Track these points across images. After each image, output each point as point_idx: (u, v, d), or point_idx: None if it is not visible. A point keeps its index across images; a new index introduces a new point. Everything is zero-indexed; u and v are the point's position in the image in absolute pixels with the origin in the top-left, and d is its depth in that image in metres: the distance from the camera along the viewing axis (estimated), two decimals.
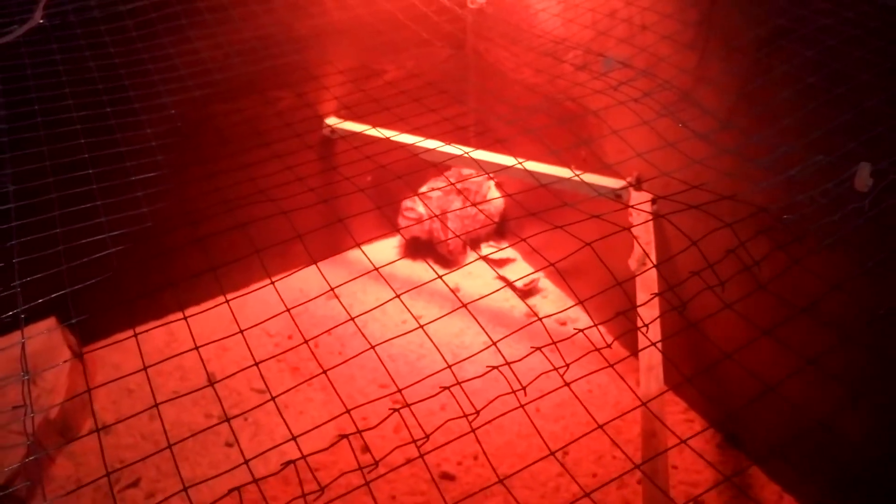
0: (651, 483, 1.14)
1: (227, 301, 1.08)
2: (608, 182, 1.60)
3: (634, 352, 1.78)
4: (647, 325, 1.31)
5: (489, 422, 0.93)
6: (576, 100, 1.55)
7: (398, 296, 1.23)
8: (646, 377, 1.34)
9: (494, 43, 1.82)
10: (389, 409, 0.95)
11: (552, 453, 0.96)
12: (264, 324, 2.14)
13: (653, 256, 1.50)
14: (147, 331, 1.84)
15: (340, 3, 1.86)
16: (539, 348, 1.03)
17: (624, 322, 1.05)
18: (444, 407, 1.63)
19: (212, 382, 1.07)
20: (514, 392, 0.97)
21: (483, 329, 1.12)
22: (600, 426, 0.99)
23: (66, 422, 1.78)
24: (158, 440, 1.77)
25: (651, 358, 1.34)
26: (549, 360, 1.01)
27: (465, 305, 1.15)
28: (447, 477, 1.64)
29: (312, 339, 1.29)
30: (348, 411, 0.95)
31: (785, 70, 1.14)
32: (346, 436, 0.90)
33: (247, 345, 1.06)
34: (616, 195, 1.60)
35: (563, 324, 1.98)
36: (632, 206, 1.53)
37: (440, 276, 1.20)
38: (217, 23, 1.67)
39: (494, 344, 1.03)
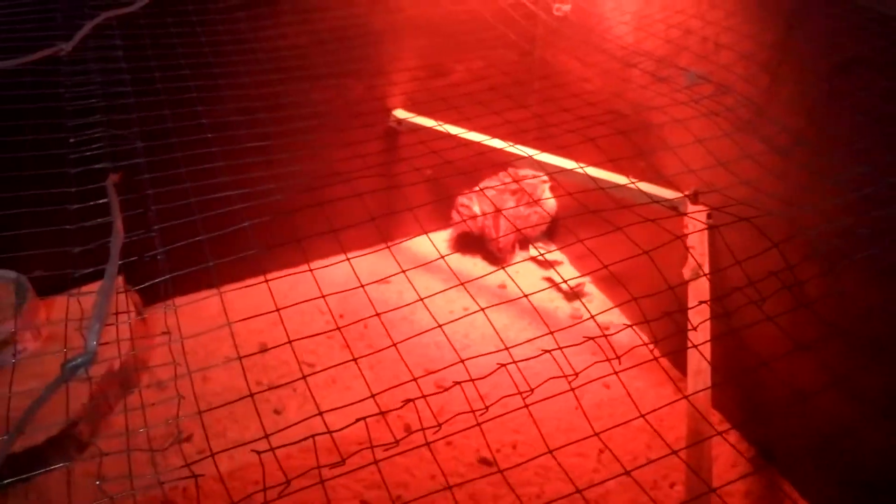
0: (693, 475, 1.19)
1: (311, 270, 1.10)
2: (665, 193, 1.65)
3: (678, 359, 1.83)
4: (695, 328, 1.36)
5: (538, 402, 0.97)
6: (641, 111, 1.60)
7: (462, 283, 1.30)
8: (693, 380, 1.38)
9: (563, 51, 1.88)
10: (452, 382, 1.00)
11: (596, 434, 1.00)
12: (317, 301, 2.23)
13: (706, 268, 1.54)
14: (220, 293, 1.93)
15: (416, 1, 1.93)
16: (592, 338, 1.07)
17: (670, 329, 1.08)
18: (496, 386, 1.69)
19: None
20: (564, 376, 1.02)
21: (540, 317, 1.17)
22: (643, 415, 1.02)
23: (127, 375, 1.88)
24: (210, 401, 1.86)
25: (699, 362, 1.39)
26: (601, 349, 1.06)
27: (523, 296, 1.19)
28: (485, 462, 1.70)
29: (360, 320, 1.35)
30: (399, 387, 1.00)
31: (859, 97, 1.18)
32: (411, 399, 0.96)
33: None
34: (672, 206, 1.64)
35: (607, 328, 2.03)
36: (688, 216, 1.58)
37: (503, 268, 1.25)
38: (304, 10, 1.76)
39: (551, 333, 1.08)
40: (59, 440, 1.66)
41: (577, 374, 1.02)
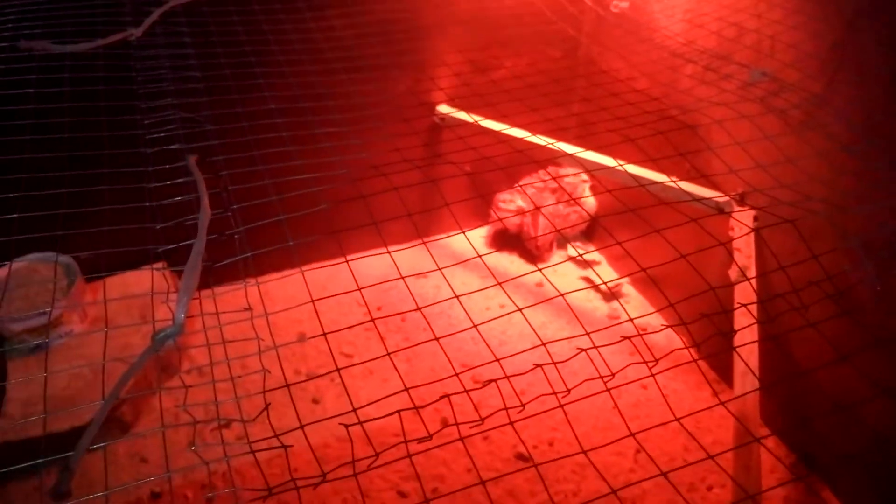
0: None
1: (347, 262, 1.11)
2: (711, 193, 1.65)
3: (719, 362, 1.83)
4: (734, 331, 1.36)
5: (574, 401, 0.97)
6: (690, 111, 1.60)
7: (500, 283, 1.30)
8: (740, 383, 1.38)
9: (616, 47, 1.88)
10: (485, 380, 0.99)
11: (632, 434, 1.00)
12: (354, 293, 2.25)
13: (752, 271, 1.54)
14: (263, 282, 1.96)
15: None
16: (628, 337, 1.07)
17: (711, 331, 1.08)
18: (532, 384, 1.70)
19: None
20: (601, 377, 1.01)
21: (576, 317, 1.18)
22: (678, 419, 1.02)
23: (168, 359, 1.91)
24: (248, 388, 1.88)
25: (745, 366, 1.38)
26: (637, 351, 1.05)
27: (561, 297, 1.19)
28: (522, 458, 1.70)
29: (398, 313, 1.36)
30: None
31: None
32: (448, 395, 0.96)
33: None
34: (718, 207, 1.64)
35: (645, 329, 2.02)
36: (734, 218, 1.57)
37: (540, 269, 1.26)
38: (354, 3, 1.78)
39: (587, 333, 1.07)
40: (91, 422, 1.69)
41: (613, 375, 1.01)
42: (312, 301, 0.94)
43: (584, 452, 0.92)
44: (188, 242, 0.87)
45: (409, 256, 1.29)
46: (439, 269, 1.17)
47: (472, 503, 1.60)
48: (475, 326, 1.08)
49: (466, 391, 0.96)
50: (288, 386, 0.89)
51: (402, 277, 1.08)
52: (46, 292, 1.76)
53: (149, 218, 0.93)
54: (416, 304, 1.24)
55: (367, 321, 1.98)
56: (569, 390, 0.97)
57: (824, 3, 1.37)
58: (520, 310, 1.14)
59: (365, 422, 0.87)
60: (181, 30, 1.39)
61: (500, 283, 1.32)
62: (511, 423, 0.92)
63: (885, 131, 1.27)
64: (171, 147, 1.09)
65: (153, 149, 1.06)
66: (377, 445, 0.85)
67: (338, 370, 0.93)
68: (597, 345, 1.00)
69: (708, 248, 1.10)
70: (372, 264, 1.30)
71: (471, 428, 0.94)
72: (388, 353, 1.00)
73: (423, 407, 0.95)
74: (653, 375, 1.02)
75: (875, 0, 1.28)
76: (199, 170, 1.03)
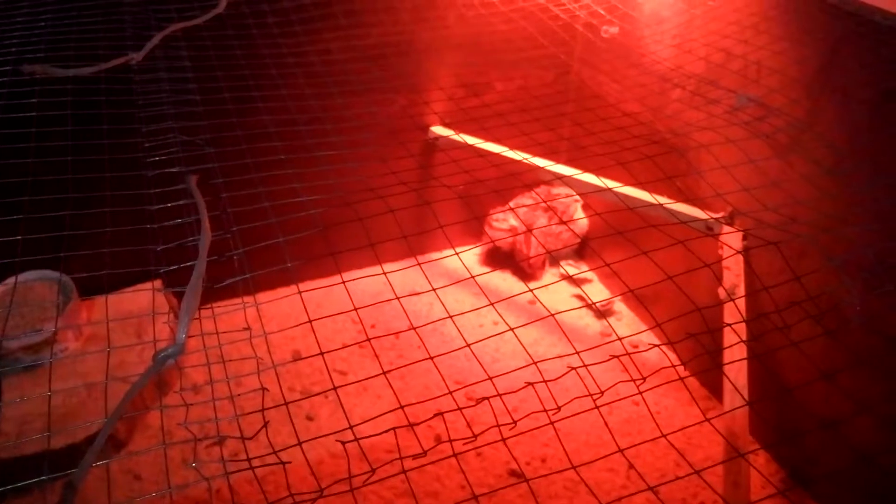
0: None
1: (343, 283, 1.13)
2: (701, 214, 1.68)
3: (709, 379, 1.85)
4: (723, 349, 1.38)
5: (566, 418, 0.99)
6: (681, 133, 1.64)
7: (493, 304, 1.33)
8: (729, 400, 1.40)
9: (607, 71, 1.92)
10: (478, 397, 1.01)
11: (620, 450, 1.01)
12: (349, 312, 2.27)
13: (741, 290, 1.57)
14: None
15: (461, 19, 1.98)
16: (617, 356, 1.09)
17: (700, 350, 1.10)
18: (525, 401, 1.71)
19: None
20: (590, 395, 1.02)
21: (566, 336, 1.20)
22: (664, 435, 1.03)
23: (162, 377, 1.91)
24: (243, 405, 1.89)
25: (733, 384, 1.41)
26: (626, 369, 1.07)
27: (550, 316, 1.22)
28: (515, 474, 1.72)
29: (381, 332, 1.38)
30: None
31: None
32: (442, 413, 0.97)
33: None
34: (707, 227, 1.67)
35: (636, 346, 2.05)
36: (723, 238, 1.60)
37: (530, 289, 1.28)
38: (350, 27, 1.82)
39: (577, 353, 1.09)
40: (95, 438, 1.70)
41: (602, 393, 1.02)
42: (310, 321, 0.95)
43: (575, 468, 0.94)
44: (189, 264, 0.89)
45: (402, 275, 1.32)
46: (433, 289, 1.18)
47: None
48: (468, 346, 1.10)
49: (460, 409, 0.97)
50: (287, 404, 0.91)
51: (398, 298, 1.10)
52: (42, 310, 1.77)
53: (150, 240, 0.95)
54: (411, 323, 1.27)
55: (364, 340, 2.00)
56: (559, 408, 0.98)
57: (808, 28, 1.41)
58: (511, 329, 1.17)
59: (361, 438, 0.88)
60: (181, 53, 1.42)
61: (492, 304, 1.35)
62: (503, 439, 0.94)
63: (869, 154, 1.31)
64: (172, 169, 1.11)
65: (154, 171, 1.09)
66: (372, 461, 0.87)
67: (335, 388, 0.95)
68: (587, 363, 1.02)
69: (697, 268, 1.13)
70: (366, 283, 1.32)
71: (464, 444, 0.96)
72: (385, 372, 1.02)
73: (417, 424, 0.97)
74: (640, 393, 1.04)
75: (858, 25, 1.32)
76: (199, 191, 1.05)
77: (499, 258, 2.40)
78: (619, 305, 2.24)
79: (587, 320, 2.19)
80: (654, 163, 1.46)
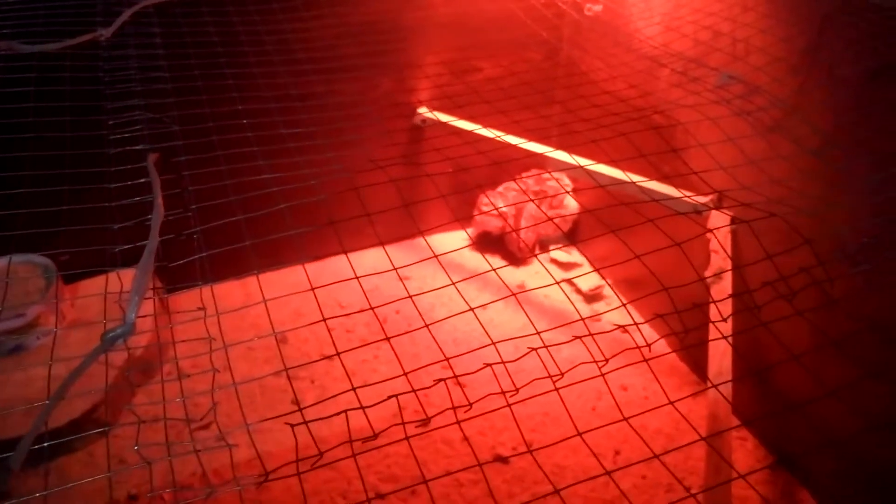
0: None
1: (346, 254, 1.12)
2: (690, 196, 1.65)
3: (697, 364, 1.83)
4: (686, 332, 1.36)
5: (523, 400, 0.98)
6: (667, 112, 1.61)
7: (454, 283, 1.30)
8: (714, 380, 1.38)
9: (591, 50, 1.89)
10: (434, 380, 0.99)
11: (578, 432, 1.00)
12: (337, 295, 2.24)
13: (728, 269, 1.54)
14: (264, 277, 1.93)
15: None
16: (580, 337, 1.07)
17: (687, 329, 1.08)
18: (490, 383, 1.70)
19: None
20: (550, 377, 1.01)
21: (524, 314, 1.18)
22: (626, 419, 1.02)
23: (149, 361, 1.90)
24: (230, 391, 1.88)
25: (719, 364, 1.39)
26: (589, 352, 1.05)
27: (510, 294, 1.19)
28: (500, 459, 1.70)
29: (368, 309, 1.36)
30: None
31: (890, 104, 1.18)
32: (442, 381, 0.96)
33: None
34: (696, 210, 1.64)
35: (625, 331, 2.02)
36: (711, 219, 1.58)
37: (493, 270, 1.26)
38: (331, 5, 1.78)
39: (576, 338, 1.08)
40: (80, 422, 1.69)
41: (562, 375, 1.01)
42: (265, 301, 0.93)
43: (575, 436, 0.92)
44: (145, 242, 0.87)
45: (392, 257, 1.30)
46: (394, 268, 1.17)
47: None
48: (450, 328, 1.08)
49: (414, 390, 0.96)
50: (235, 385, 0.88)
51: (396, 269, 1.08)
52: (24, 294, 1.75)
53: (108, 218, 0.93)
54: (369, 302, 1.24)
55: (318, 321, 1.97)
56: (517, 389, 0.97)
57: (795, 6, 1.38)
58: (472, 309, 1.15)
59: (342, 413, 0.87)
60: (152, 30, 1.39)
61: (454, 283, 1.32)
62: (508, 406, 0.94)
63: (855, 133, 1.28)
64: (136, 147, 1.09)
65: (116, 149, 1.06)
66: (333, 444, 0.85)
67: (286, 370, 0.92)
68: (554, 343, 1.01)
69: (669, 246, 1.11)
70: (354, 264, 1.29)
71: (464, 412, 0.94)
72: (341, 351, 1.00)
73: (371, 406, 0.95)
74: (603, 375, 1.02)
75: (845, 4, 1.28)
76: (156, 170, 1.03)
77: (489, 242, 2.37)
78: (609, 290, 2.22)
79: (577, 305, 2.17)
80: (642, 141, 1.44)
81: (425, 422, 0.85)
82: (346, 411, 0.85)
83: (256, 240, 0.94)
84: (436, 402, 1.00)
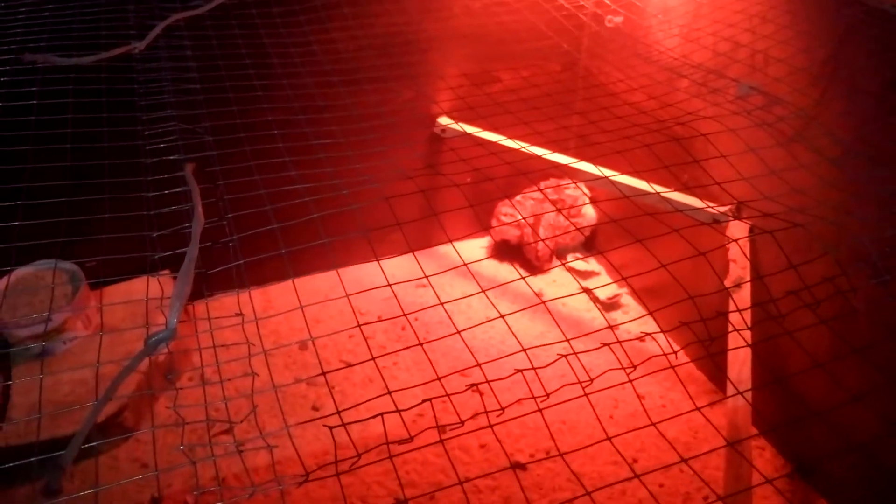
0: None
1: (337, 269, 1.15)
2: (708, 206, 1.67)
3: (715, 374, 1.84)
4: (710, 340, 1.37)
5: (554, 405, 0.99)
6: (686, 122, 1.62)
7: (484, 290, 1.32)
8: (732, 388, 1.39)
9: (612, 61, 1.91)
10: (467, 385, 1.01)
11: (609, 438, 1.01)
12: (355, 303, 2.26)
13: (748, 278, 1.55)
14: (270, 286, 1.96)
15: (467, 10, 1.98)
16: (608, 344, 1.08)
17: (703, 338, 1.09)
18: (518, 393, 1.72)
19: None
20: (580, 382, 1.02)
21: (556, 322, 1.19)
22: (654, 423, 1.03)
23: (171, 366, 1.93)
24: (248, 393, 1.90)
25: (738, 372, 1.40)
26: (617, 359, 1.06)
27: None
28: (519, 466, 1.71)
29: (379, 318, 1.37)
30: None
31: None
32: (475, 386, 0.97)
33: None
34: (715, 219, 1.66)
35: (643, 340, 2.03)
36: (730, 229, 1.59)
37: (523, 278, 1.27)
38: (355, 17, 1.81)
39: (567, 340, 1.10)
40: (105, 426, 1.71)
41: (592, 380, 1.02)
42: (301, 307, 0.95)
43: (562, 454, 0.93)
44: (184, 250, 0.89)
45: (411, 266, 1.31)
46: (425, 276, 1.19)
47: None
48: (468, 335, 1.10)
49: (449, 394, 0.97)
50: (276, 389, 0.90)
51: (390, 284, 1.10)
52: (51, 299, 1.78)
53: (146, 226, 0.96)
54: (402, 309, 1.26)
55: (353, 326, 2.00)
56: (548, 395, 0.98)
57: (815, 18, 1.39)
58: (502, 316, 1.17)
59: (348, 424, 0.89)
60: (183, 43, 1.43)
61: (484, 291, 1.34)
62: (539, 410, 0.94)
63: (875, 143, 1.29)
64: (171, 157, 1.12)
65: (153, 159, 1.09)
66: (364, 448, 0.87)
67: (324, 374, 0.94)
68: (582, 350, 1.02)
69: (693, 256, 1.12)
70: (371, 274, 1.32)
71: (497, 416, 0.95)
72: (373, 358, 1.03)
73: (406, 409, 0.97)
74: (631, 381, 1.03)
75: (866, 15, 1.30)
76: (194, 179, 1.05)
77: (507, 251, 2.39)
78: (627, 299, 2.23)
79: (594, 313, 2.18)
80: (660, 152, 1.45)
81: (458, 425, 0.87)
82: (381, 414, 0.87)
83: (291, 248, 0.96)
84: (457, 409, 1.02)
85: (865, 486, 1.46)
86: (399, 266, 2.20)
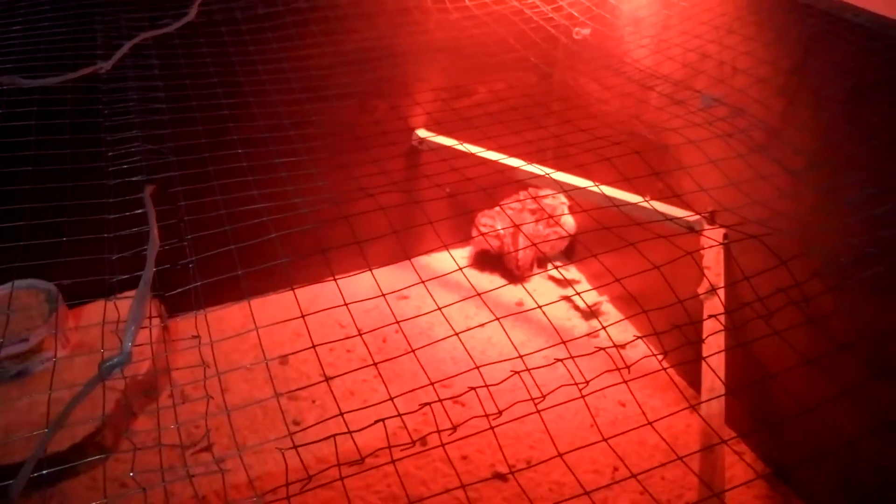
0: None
1: (335, 279, 1.15)
2: (682, 213, 1.68)
3: (693, 378, 1.84)
4: (684, 346, 1.37)
5: (508, 422, 0.99)
6: (659, 132, 1.63)
7: (480, 296, 1.33)
8: (707, 394, 1.40)
9: (582, 73, 1.92)
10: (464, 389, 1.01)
11: (605, 439, 1.01)
12: (336, 316, 2.25)
13: (722, 285, 1.56)
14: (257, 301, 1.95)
15: (440, 24, 1.99)
16: (601, 350, 1.09)
17: (681, 345, 1.10)
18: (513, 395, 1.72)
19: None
20: (576, 384, 1.03)
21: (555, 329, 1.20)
22: (650, 423, 1.04)
23: (151, 384, 1.92)
24: (232, 414, 1.89)
25: (712, 378, 1.40)
26: (612, 360, 1.07)
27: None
28: (499, 477, 1.71)
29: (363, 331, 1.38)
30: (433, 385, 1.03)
31: (873, 121, 1.20)
32: (428, 403, 0.98)
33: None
34: (689, 227, 1.67)
35: (623, 347, 2.04)
36: (704, 236, 1.60)
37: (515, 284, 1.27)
38: (323, 34, 1.82)
39: (563, 342, 1.10)
40: (82, 446, 1.70)
41: (587, 382, 1.04)
42: (256, 328, 0.95)
43: (560, 455, 0.94)
44: (138, 273, 0.89)
45: (390, 277, 1.32)
46: (422, 282, 1.20)
47: None
48: (457, 334, 1.11)
49: (440, 401, 0.98)
50: (229, 413, 0.90)
51: (344, 304, 1.11)
52: (27, 319, 1.78)
53: (107, 249, 0.96)
54: (395, 318, 1.27)
55: (350, 337, 2.00)
56: (500, 412, 0.99)
57: (781, 28, 1.41)
58: (499, 319, 1.18)
59: (341, 435, 0.89)
60: (151, 62, 1.43)
61: (480, 296, 1.35)
62: (538, 412, 0.96)
63: (840, 150, 1.30)
64: (133, 179, 1.12)
65: (115, 181, 1.09)
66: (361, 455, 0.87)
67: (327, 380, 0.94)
68: (573, 356, 1.03)
69: (674, 261, 1.13)
70: (354, 286, 1.32)
71: (447, 440, 0.96)
72: (360, 368, 1.03)
73: (359, 430, 0.97)
74: (625, 382, 1.04)
75: (831, 24, 1.31)
76: (152, 201, 1.06)
77: (488, 261, 2.39)
78: (608, 306, 2.23)
79: (575, 321, 2.19)
80: (635, 161, 1.46)
81: (452, 429, 0.87)
82: (334, 435, 0.87)
83: (249, 269, 0.96)
84: (429, 423, 1.02)
85: (844, 489, 1.47)
86: (379, 277, 2.20)
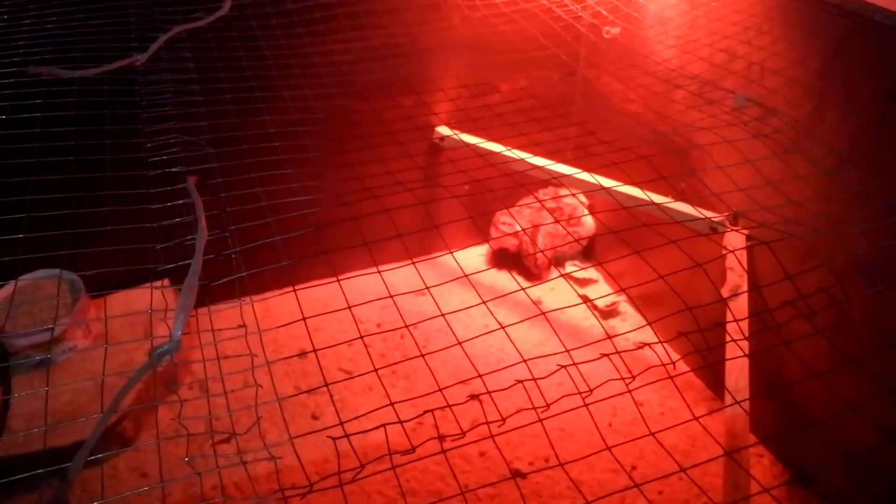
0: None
1: (339, 280, 1.14)
2: (705, 214, 1.68)
3: (714, 382, 1.85)
4: (709, 349, 1.38)
5: (555, 414, 0.99)
6: (686, 133, 1.63)
7: (485, 302, 1.33)
8: (730, 398, 1.40)
9: (608, 72, 1.93)
10: (468, 395, 1.01)
11: (608, 448, 1.01)
12: (355, 311, 2.26)
13: (744, 288, 1.56)
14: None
15: (466, 21, 1.99)
16: (612, 354, 1.09)
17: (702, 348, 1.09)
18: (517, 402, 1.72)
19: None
20: (579, 393, 1.03)
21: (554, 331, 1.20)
22: (652, 433, 1.03)
23: (171, 376, 1.93)
24: (250, 404, 1.90)
25: (736, 381, 1.40)
26: (626, 365, 1.07)
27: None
28: (518, 474, 1.72)
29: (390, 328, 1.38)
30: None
31: None
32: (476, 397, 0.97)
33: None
34: (711, 228, 1.67)
35: (641, 347, 2.04)
36: (727, 238, 1.60)
37: (527, 287, 1.28)
38: (353, 28, 1.83)
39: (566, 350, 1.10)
40: (105, 436, 1.71)
41: (591, 390, 1.03)
42: (304, 319, 0.96)
43: (566, 464, 0.94)
44: (187, 262, 0.90)
45: (410, 275, 1.33)
46: (426, 287, 1.20)
47: None
48: (466, 344, 1.11)
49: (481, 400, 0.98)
50: (279, 400, 0.91)
51: (391, 296, 1.11)
52: (51, 308, 1.79)
53: (149, 238, 0.97)
54: (403, 320, 1.27)
55: (356, 338, 2.01)
56: (548, 405, 0.99)
57: (810, 29, 1.41)
58: (543, 314, 1.18)
59: (350, 435, 0.89)
60: (185, 55, 1.44)
61: (487, 301, 1.35)
62: (540, 420, 0.94)
63: (870, 153, 1.30)
64: (173, 169, 1.13)
65: (155, 171, 1.10)
66: (366, 458, 0.88)
67: (326, 385, 0.95)
68: (581, 361, 1.03)
69: (692, 267, 1.13)
70: (372, 282, 1.32)
71: (452, 441, 0.96)
72: (375, 370, 1.04)
73: (409, 420, 0.98)
74: (630, 391, 1.04)
75: (859, 26, 1.31)
76: (197, 191, 1.07)
77: (506, 259, 2.40)
78: (625, 306, 2.24)
79: (592, 321, 2.19)
80: (658, 162, 1.46)
81: (459, 436, 0.87)
82: (384, 425, 0.88)
83: (292, 260, 0.97)
84: (458, 419, 1.02)
85: (864, 495, 1.47)
86: (398, 275, 2.21)
